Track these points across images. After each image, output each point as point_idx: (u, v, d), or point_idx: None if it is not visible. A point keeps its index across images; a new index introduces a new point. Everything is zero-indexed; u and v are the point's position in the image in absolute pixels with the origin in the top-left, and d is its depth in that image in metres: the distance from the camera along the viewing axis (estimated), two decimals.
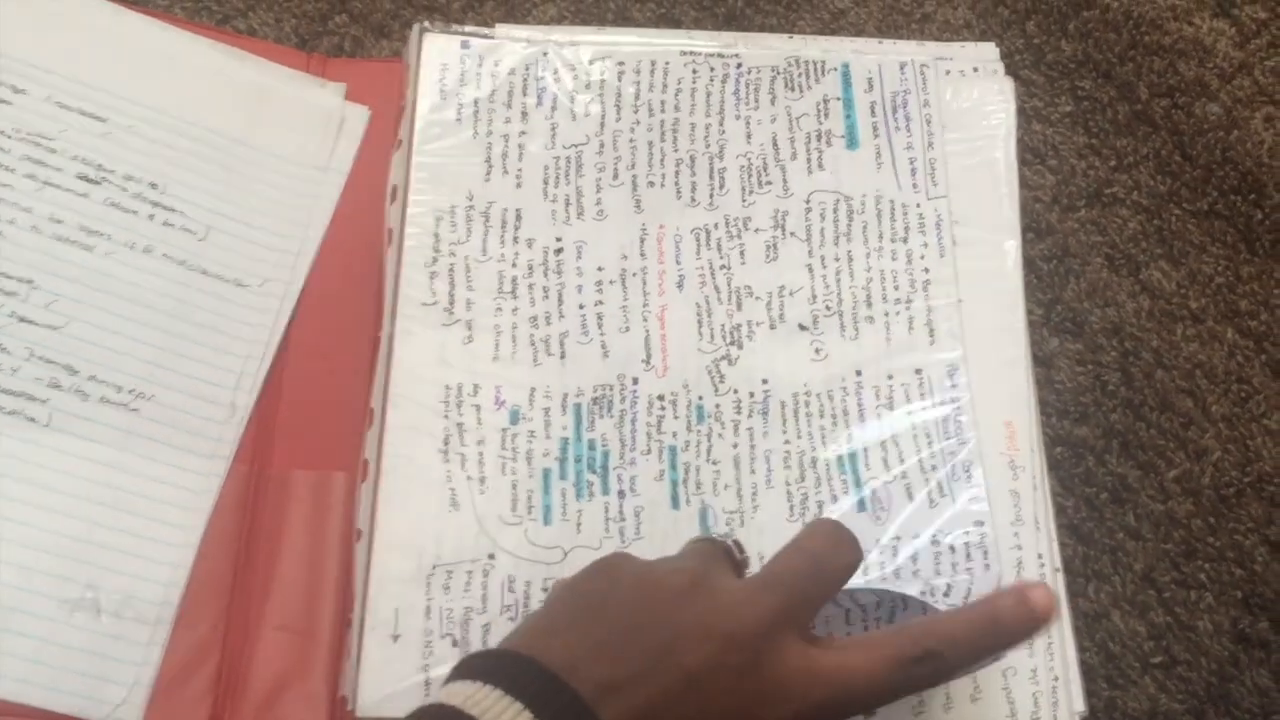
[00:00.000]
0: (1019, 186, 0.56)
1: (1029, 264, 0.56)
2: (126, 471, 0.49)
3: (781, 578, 0.38)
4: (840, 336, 0.53)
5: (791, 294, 0.54)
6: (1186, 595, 0.51)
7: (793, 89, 0.57)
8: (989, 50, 0.60)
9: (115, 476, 0.49)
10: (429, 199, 0.54)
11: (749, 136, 0.57)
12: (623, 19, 0.61)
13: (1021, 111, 0.59)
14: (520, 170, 0.55)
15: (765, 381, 0.52)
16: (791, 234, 0.55)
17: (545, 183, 0.55)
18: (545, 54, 0.57)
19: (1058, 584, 0.49)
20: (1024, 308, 0.54)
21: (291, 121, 0.56)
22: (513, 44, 0.57)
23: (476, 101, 0.56)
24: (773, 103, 0.57)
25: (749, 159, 0.56)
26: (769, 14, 0.62)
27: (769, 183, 0.56)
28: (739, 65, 0.58)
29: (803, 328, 0.53)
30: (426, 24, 0.58)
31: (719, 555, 0.41)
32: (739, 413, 0.51)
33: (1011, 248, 0.55)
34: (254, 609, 0.48)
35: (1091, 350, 0.55)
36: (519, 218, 0.54)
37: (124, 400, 0.50)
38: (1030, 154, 0.59)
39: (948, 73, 0.58)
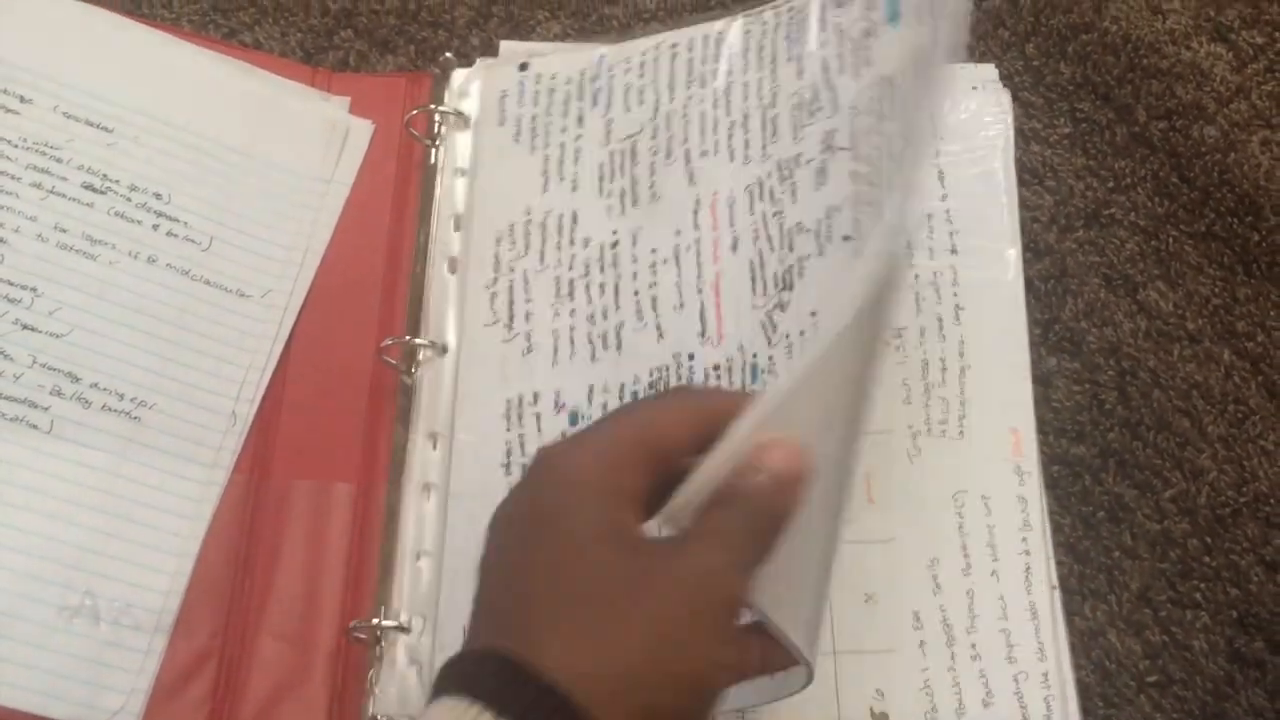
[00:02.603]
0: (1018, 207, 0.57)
1: (1026, 283, 0.56)
2: (127, 479, 0.49)
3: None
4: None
5: (839, 209, 0.51)
6: (1182, 614, 0.51)
7: (840, 4, 0.54)
8: (988, 71, 0.60)
9: (116, 484, 0.49)
10: (490, 223, 0.55)
11: (801, 73, 0.54)
12: (627, 36, 0.62)
13: (1020, 132, 0.59)
14: (576, 173, 0.55)
15: (814, 314, 0.50)
16: (840, 149, 0.52)
17: (601, 179, 0.55)
18: (601, 56, 0.57)
19: (1054, 601, 0.49)
20: (1026, 315, 0.54)
21: (295, 134, 0.57)
22: (568, 54, 0.58)
23: (534, 118, 0.57)
24: (822, 29, 0.54)
25: (800, 94, 0.54)
26: None
27: (819, 108, 0.53)
28: (790, 8, 0.56)
29: (846, 239, 0.50)
30: (490, 59, 0.58)
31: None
32: (790, 355, 0.50)
33: (1012, 256, 0.55)
34: (252, 618, 0.48)
35: (1089, 369, 0.55)
36: (575, 220, 0.54)
37: (126, 408, 0.50)
38: (1029, 174, 0.59)
39: None
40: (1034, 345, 0.55)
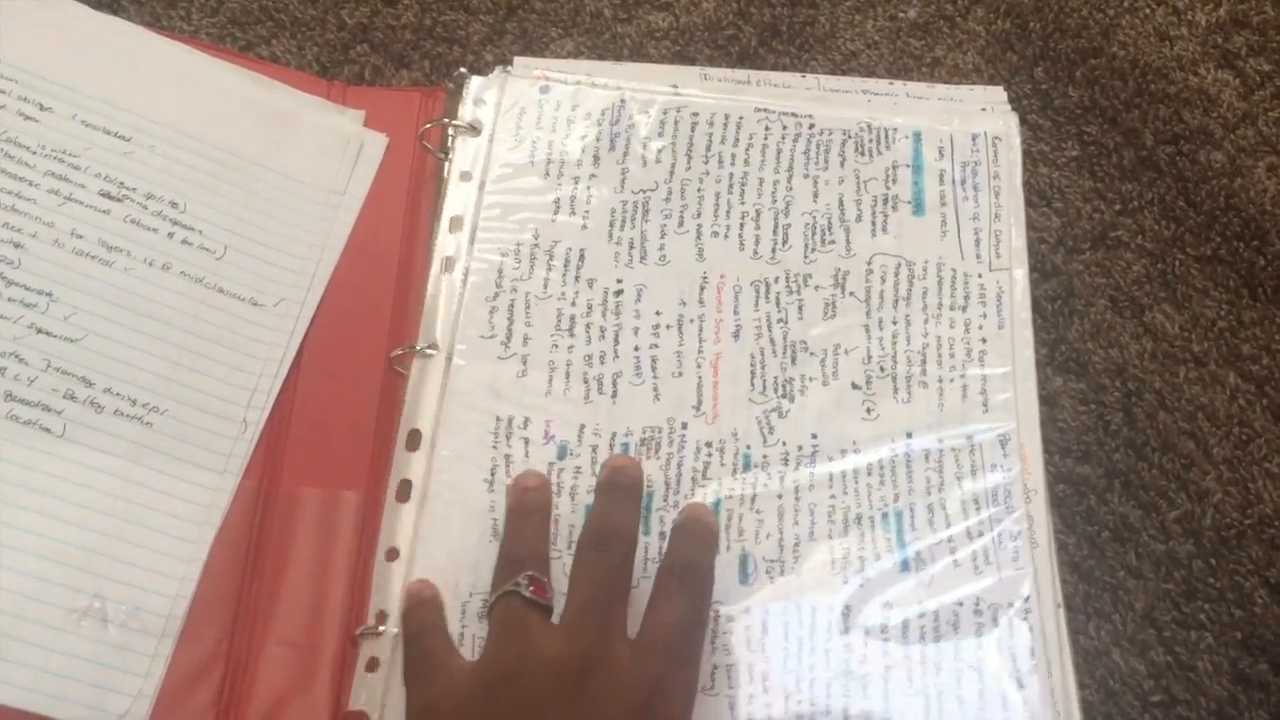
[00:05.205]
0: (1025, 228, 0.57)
1: (1034, 304, 0.56)
2: (137, 484, 0.49)
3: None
4: (892, 398, 0.53)
5: (846, 352, 0.54)
6: (1187, 635, 0.51)
7: (863, 153, 0.58)
8: (997, 94, 0.61)
9: (126, 488, 0.49)
10: (496, 235, 0.55)
11: (815, 195, 0.57)
12: (638, 55, 0.62)
13: (1028, 155, 0.60)
14: (588, 212, 0.56)
15: (814, 436, 0.52)
16: (851, 294, 0.55)
17: (611, 225, 0.56)
18: (623, 101, 0.58)
19: (1059, 619, 0.49)
20: (1033, 334, 0.55)
21: (311, 146, 0.57)
22: (590, 89, 0.59)
23: (551, 144, 0.57)
24: (842, 165, 0.58)
25: (814, 217, 0.56)
26: (782, 54, 0.63)
27: (832, 242, 0.56)
28: (811, 126, 0.58)
29: (855, 386, 0.53)
30: (509, 67, 0.59)
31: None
32: (786, 464, 0.51)
33: (1020, 276, 0.56)
34: (259, 624, 0.48)
35: (1095, 390, 0.55)
36: (582, 258, 0.55)
37: (138, 413, 0.50)
38: (1036, 196, 0.60)
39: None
40: (1040, 365, 0.55)
